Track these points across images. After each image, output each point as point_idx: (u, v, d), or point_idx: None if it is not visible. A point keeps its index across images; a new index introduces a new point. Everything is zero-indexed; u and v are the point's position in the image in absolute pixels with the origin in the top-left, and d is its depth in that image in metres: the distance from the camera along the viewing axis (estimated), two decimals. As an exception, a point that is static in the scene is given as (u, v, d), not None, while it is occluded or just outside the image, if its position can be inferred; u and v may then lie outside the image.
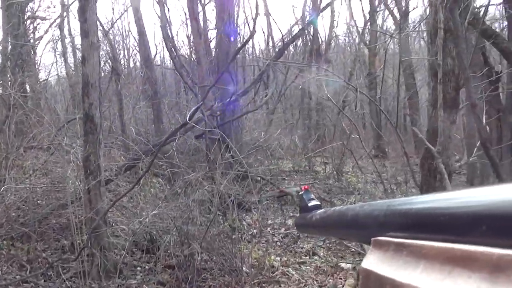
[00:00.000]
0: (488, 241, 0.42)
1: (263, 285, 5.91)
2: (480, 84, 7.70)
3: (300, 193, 1.22)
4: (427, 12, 19.50)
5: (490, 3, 11.38)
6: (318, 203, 1.14)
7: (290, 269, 6.62)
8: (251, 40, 20.37)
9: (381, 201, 0.65)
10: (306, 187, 1.24)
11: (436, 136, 4.25)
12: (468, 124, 11.72)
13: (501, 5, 10.24)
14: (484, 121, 6.47)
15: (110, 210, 6.11)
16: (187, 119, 5.84)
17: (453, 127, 4.24)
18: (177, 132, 6.29)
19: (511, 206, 0.40)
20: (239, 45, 11.15)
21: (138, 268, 6.01)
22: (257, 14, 7.50)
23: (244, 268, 5.94)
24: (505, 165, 11.04)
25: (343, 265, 6.90)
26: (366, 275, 0.60)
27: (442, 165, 3.53)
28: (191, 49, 13.98)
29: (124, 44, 21.02)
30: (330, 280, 6.43)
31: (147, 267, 5.98)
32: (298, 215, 1.22)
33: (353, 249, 7.52)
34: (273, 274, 6.32)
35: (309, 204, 1.13)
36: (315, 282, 6.38)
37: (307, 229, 1.20)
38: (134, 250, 6.42)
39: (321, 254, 7.34)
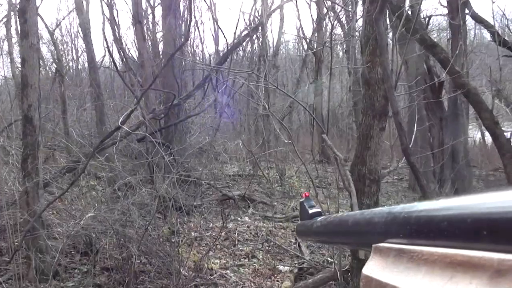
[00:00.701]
0: (489, 246, 0.42)
1: (201, 287, 5.98)
2: (421, 92, 7.97)
3: (301, 200, 1.23)
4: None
5: (434, 14, 11.80)
6: (319, 210, 1.15)
7: (228, 271, 6.72)
8: (201, 45, 20.42)
9: (381, 208, 0.66)
10: (306, 194, 1.26)
11: (366, 143, 4.41)
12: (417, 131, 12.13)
13: (446, 16, 10.66)
14: (416, 128, 6.77)
15: (49, 213, 6.06)
16: (120, 122, 5.83)
17: (382, 134, 4.42)
18: (111, 135, 6.28)
19: (510, 212, 0.40)
20: (189, 48, 11.24)
21: (76, 271, 5.98)
22: (190, 18, 7.57)
23: (182, 271, 5.99)
24: (445, 170, 11.49)
25: (280, 267, 7.04)
26: (367, 282, 0.61)
27: (348, 172, 3.69)
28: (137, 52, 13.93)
29: (73, 45, 20.72)
30: (268, 282, 6.55)
31: (84, 270, 5.95)
32: (299, 222, 1.22)
33: (291, 253, 7.69)
34: (211, 277, 6.40)
35: (310, 211, 1.14)
36: (252, 284, 6.50)
37: (308, 236, 1.17)
38: (72, 252, 6.38)
39: (260, 257, 7.46)
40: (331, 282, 6.24)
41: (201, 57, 19.95)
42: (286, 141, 7.10)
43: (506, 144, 7.09)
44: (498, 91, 9.85)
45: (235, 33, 17.54)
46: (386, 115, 4.40)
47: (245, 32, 19.04)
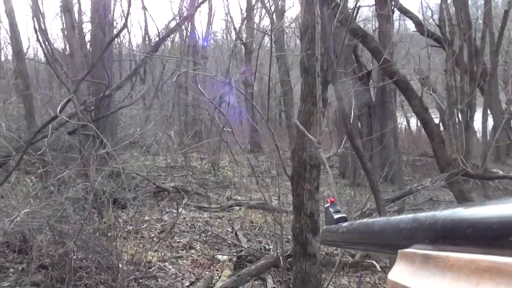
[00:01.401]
0: None
1: (140, 281, 5.90)
2: (349, 80, 8.16)
3: (326, 205, 1.21)
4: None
5: (362, 5, 12.11)
6: (345, 215, 1.13)
7: (167, 263, 6.67)
8: (128, 35, 20.05)
9: (407, 214, 0.66)
10: (332, 199, 1.25)
11: (307, 129, 4.45)
12: (338, 118, 12.42)
13: (374, 7, 10.96)
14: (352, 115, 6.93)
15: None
16: (58, 111, 5.65)
17: (323, 121, 4.49)
18: (46, 126, 6.06)
19: None
20: (116, 39, 10.96)
21: (11, 270, 5.75)
22: (129, 7, 7.40)
23: (120, 265, 5.89)
24: (374, 156, 11.85)
25: (219, 257, 7.06)
26: (392, 287, 0.61)
27: (322, 155, 3.74)
28: (65, 43, 13.51)
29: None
30: (207, 272, 6.55)
31: (20, 268, 5.73)
32: (324, 227, 1.20)
33: (229, 242, 7.72)
34: (150, 270, 6.33)
35: (335, 216, 1.13)
36: (192, 275, 6.48)
37: (333, 242, 1.16)
38: (6, 251, 6.13)
39: (198, 247, 7.45)
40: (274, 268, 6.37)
41: (127, 47, 19.60)
42: (226, 129, 7.07)
43: (435, 129, 7.38)
44: (426, 78, 10.21)
45: (168, 24, 17.36)
46: (325, 102, 4.47)
47: (173, 22, 18.91)
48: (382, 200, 4.89)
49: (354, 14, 9.86)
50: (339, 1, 5.48)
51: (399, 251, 0.64)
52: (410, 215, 0.64)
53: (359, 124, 12.78)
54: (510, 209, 0.44)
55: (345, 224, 1.03)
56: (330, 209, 1.17)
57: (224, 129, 7.64)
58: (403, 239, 0.63)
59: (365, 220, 0.87)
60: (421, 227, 0.59)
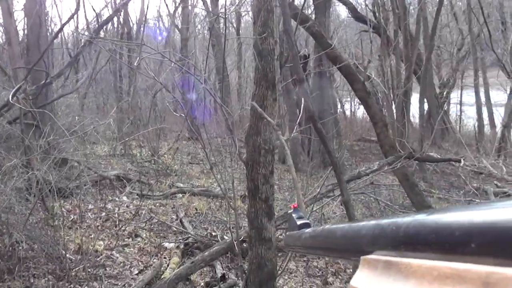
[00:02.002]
0: (477, 259, 0.42)
1: (88, 270, 5.84)
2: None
3: (289, 211, 1.23)
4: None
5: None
6: (308, 221, 1.15)
7: (114, 252, 6.63)
8: (59, 22, 19.48)
9: (369, 220, 0.67)
10: (295, 205, 1.27)
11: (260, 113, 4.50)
12: (288, 104, 12.60)
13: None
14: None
15: None
16: (10, 98, 5.50)
17: (275, 104, 4.57)
18: (-1, 113, 5.90)
19: (499, 224, 0.40)
20: (47, 27, 10.67)
21: (-45, 263, 5.59)
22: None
23: (67, 255, 5.82)
24: (314, 142, 12.07)
25: (166, 244, 7.07)
26: None
27: (282, 137, 3.82)
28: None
29: None
30: (155, 260, 6.56)
31: (-36, 261, 5.58)
32: (287, 233, 1.20)
33: (175, 229, 7.74)
34: (98, 259, 6.28)
35: (298, 223, 1.14)
36: (140, 263, 6.47)
37: (296, 248, 1.13)
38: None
39: (144, 235, 7.42)
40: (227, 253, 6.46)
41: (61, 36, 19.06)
42: (176, 115, 7.04)
43: (378, 113, 7.64)
44: (368, 62, 10.51)
45: (100, 11, 16.96)
46: (278, 85, 4.56)
47: (106, 9, 18.53)
48: (345, 182, 5.05)
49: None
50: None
51: (361, 257, 0.64)
52: (373, 221, 0.65)
53: (298, 109, 12.97)
54: (472, 215, 0.44)
55: (308, 230, 1.04)
56: (293, 215, 1.20)
57: (175, 114, 7.57)
58: (366, 245, 0.64)
59: (327, 226, 0.87)
60: (384, 233, 0.59)
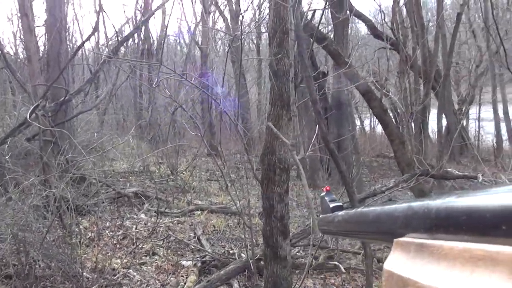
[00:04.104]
0: (508, 240, 0.42)
1: (105, 288, 5.82)
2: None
3: (322, 194, 1.21)
4: (257, 15, 20.49)
5: (318, 8, 12.23)
6: (340, 204, 1.13)
7: (131, 270, 6.59)
8: (81, 38, 19.74)
9: (402, 203, 0.66)
10: (327, 188, 1.24)
11: (275, 132, 4.49)
12: (306, 121, 12.56)
13: (328, 10, 11.10)
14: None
15: None
16: (28, 117, 5.54)
17: (290, 124, 4.55)
18: (16, 131, 5.94)
19: None
20: (68, 43, 10.79)
21: (-28, 281, 5.59)
22: (100, 9, 7.29)
23: (84, 273, 5.80)
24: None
25: (183, 262, 7.02)
26: (388, 276, 0.61)
27: (296, 157, 3.79)
28: (16, 47, 13.20)
29: None
30: (172, 278, 6.51)
31: (-20, 280, 5.58)
32: (320, 216, 1.18)
33: (192, 247, 7.69)
34: (115, 277, 6.25)
35: (331, 205, 1.13)
36: (157, 281, 6.43)
37: (329, 230, 1.12)
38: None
39: (161, 253, 7.39)
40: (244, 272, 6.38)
41: (80, 52, 19.28)
42: (194, 133, 7.04)
43: (395, 130, 7.56)
44: (385, 80, 10.45)
45: (121, 27, 17.16)
46: (294, 105, 4.53)
47: (127, 25, 18.72)
48: (357, 201, 4.99)
49: (310, 18, 10.01)
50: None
51: (394, 240, 0.63)
52: (405, 204, 0.64)
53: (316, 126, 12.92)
54: (503, 197, 0.44)
55: (340, 213, 1.02)
56: (326, 198, 1.18)
57: (192, 133, 7.56)
58: (398, 228, 0.63)
59: (360, 209, 0.87)
60: (416, 215, 0.59)
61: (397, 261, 0.60)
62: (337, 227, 1.01)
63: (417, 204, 0.59)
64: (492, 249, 0.44)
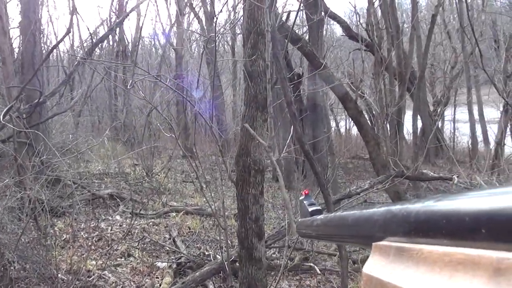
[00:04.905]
0: (488, 244, 0.42)
1: (80, 290, 5.83)
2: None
3: (301, 198, 1.22)
4: (232, 17, 20.53)
5: (292, 10, 12.31)
6: (319, 208, 1.14)
7: (106, 272, 6.59)
8: (55, 40, 19.55)
9: (381, 206, 0.66)
10: (306, 191, 1.25)
11: (250, 134, 4.53)
12: (281, 123, 12.61)
13: (303, 11, 11.18)
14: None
15: None
16: (2, 118, 5.52)
17: (265, 125, 4.61)
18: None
19: (508, 210, 0.40)
20: (42, 45, 10.73)
21: None
22: (73, 11, 7.28)
23: (59, 275, 5.80)
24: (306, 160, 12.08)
25: (159, 264, 7.03)
26: (367, 280, 0.61)
27: (273, 159, 3.84)
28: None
29: None
30: (147, 280, 6.52)
31: (-45, 282, 5.54)
32: (299, 220, 1.19)
33: (167, 248, 7.71)
34: (90, 279, 6.25)
35: (310, 209, 1.13)
36: (132, 283, 6.44)
37: (308, 234, 1.12)
38: None
39: (136, 255, 7.39)
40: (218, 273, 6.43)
41: (55, 53, 19.13)
42: (169, 135, 7.07)
43: (370, 132, 7.67)
44: (360, 82, 10.56)
45: (95, 29, 17.09)
46: (268, 106, 4.59)
47: (101, 26, 18.63)
48: (332, 203, 5.07)
49: (284, 19, 10.11)
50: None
51: (373, 243, 0.63)
52: (383, 208, 0.63)
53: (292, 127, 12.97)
54: (482, 201, 0.43)
55: (319, 216, 1.02)
56: (305, 202, 1.18)
57: (166, 134, 7.59)
58: (377, 231, 0.63)
59: (339, 212, 0.86)
60: (395, 219, 0.58)
61: (376, 265, 0.61)
62: (316, 231, 1.02)
63: (396, 207, 0.59)
64: (472, 253, 0.44)
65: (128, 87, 6.31)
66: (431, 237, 0.50)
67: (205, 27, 18.47)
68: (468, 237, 0.44)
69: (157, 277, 6.60)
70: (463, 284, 0.43)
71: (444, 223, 0.47)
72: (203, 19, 19.24)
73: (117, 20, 14.24)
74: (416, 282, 0.50)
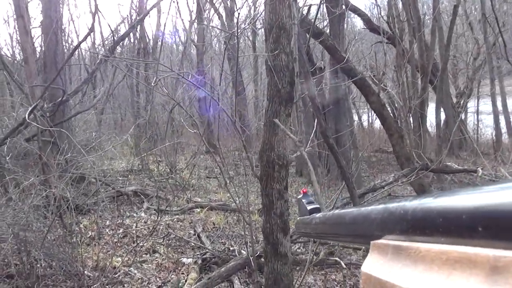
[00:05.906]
0: (485, 242, 0.42)
1: (106, 287, 5.84)
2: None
3: (299, 196, 1.23)
4: (252, 12, 20.47)
5: (313, 3, 12.19)
6: (317, 206, 1.14)
7: (132, 268, 6.61)
8: (77, 39, 19.73)
9: (378, 204, 0.65)
10: (304, 190, 1.26)
11: (273, 129, 4.50)
12: (304, 117, 12.56)
13: (323, 5, 11.09)
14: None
15: None
16: (27, 117, 5.56)
17: (288, 120, 4.56)
18: (15, 132, 5.96)
19: (505, 207, 0.39)
20: (64, 43, 10.81)
21: (-26, 282, 5.61)
22: (96, 10, 7.30)
23: (85, 272, 5.83)
24: (330, 155, 11.99)
25: (184, 260, 7.04)
26: (366, 279, 0.61)
27: (305, 153, 3.80)
28: (13, 48, 13.18)
29: None
30: (173, 276, 6.53)
31: (-17, 279, 5.60)
32: (298, 218, 1.20)
33: (192, 244, 7.71)
34: (116, 275, 6.27)
35: (308, 208, 1.14)
36: (158, 279, 6.44)
37: (306, 232, 1.12)
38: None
39: (162, 251, 7.40)
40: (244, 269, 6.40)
41: (77, 51, 19.27)
42: (192, 131, 7.05)
43: (394, 125, 7.57)
44: (382, 75, 10.44)
45: (116, 27, 17.15)
46: (292, 101, 4.54)
47: (122, 24, 18.71)
48: (357, 196, 5.01)
49: (305, 13, 10.02)
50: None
51: (371, 242, 0.63)
52: (381, 206, 0.64)
53: (314, 122, 12.90)
54: (479, 198, 0.43)
55: (318, 215, 1.02)
56: (303, 200, 1.20)
57: (193, 131, 7.55)
58: (375, 230, 0.63)
59: (337, 211, 0.86)
60: (392, 217, 0.58)
61: (374, 264, 0.61)
62: (315, 229, 1.02)
63: (394, 205, 0.59)
64: (469, 251, 0.44)
65: (152, 84, 6.29)
66: (428, 235, 0.50)
67: (225, 23, 18.47)
68: (465, 235, 0.44)
69: (182, 273, 6.59)
70: (460, 283, 0.44)
71: (441, 221, 0.48)
72: (224, 14, 19.24)
73: (138, 18, 14.26)
74: (414, 281, 0.50)
